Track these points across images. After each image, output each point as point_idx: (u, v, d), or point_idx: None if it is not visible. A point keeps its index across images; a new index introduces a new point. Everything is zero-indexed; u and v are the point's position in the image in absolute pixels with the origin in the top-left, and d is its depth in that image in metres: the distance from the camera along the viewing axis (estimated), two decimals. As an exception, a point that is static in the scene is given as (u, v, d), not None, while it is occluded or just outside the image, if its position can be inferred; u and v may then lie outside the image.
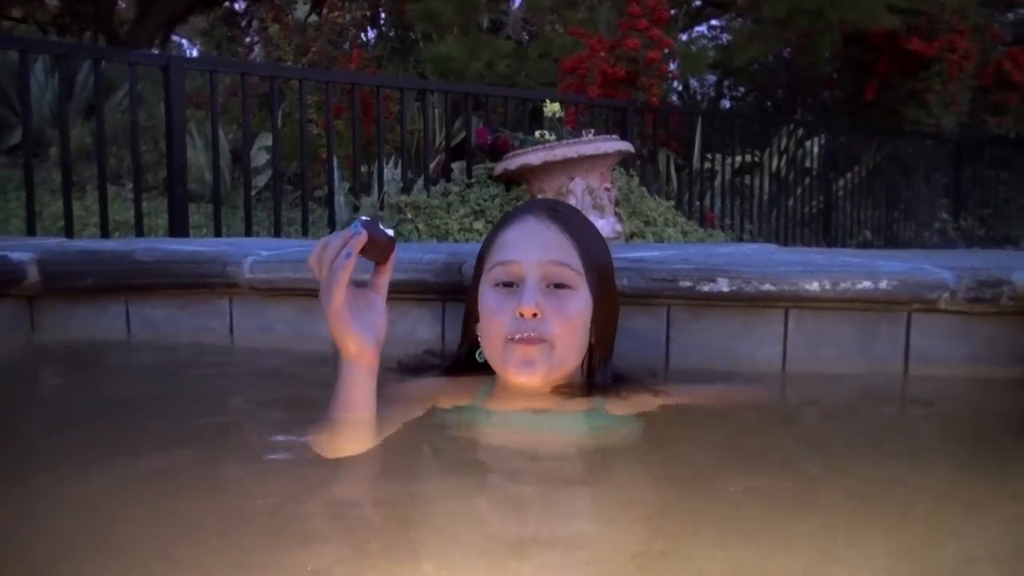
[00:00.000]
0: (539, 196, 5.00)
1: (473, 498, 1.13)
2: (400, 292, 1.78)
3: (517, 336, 1.38)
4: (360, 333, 1.29)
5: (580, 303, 1.43)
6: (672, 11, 7.94)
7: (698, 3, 10.74)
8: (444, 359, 1.63)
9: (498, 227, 1.51)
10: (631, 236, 5.27)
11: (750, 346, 1.74)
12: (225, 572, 0.90)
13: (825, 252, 2.15)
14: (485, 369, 1.49)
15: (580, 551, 0.97)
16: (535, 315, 1.38)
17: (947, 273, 1.65)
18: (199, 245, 2.07)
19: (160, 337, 1.91)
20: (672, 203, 6.17)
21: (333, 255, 1.25)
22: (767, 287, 1.68)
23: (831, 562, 0.94)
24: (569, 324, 1.41)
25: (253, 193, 5.67)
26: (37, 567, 0.92)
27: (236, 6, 14.33)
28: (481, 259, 1.51)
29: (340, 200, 5.31)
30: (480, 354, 1.49)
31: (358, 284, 1.34)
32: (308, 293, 1.85)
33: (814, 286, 1.67)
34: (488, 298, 1.44)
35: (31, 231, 3.80)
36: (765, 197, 7.78)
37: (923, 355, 1.70)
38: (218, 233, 4.42)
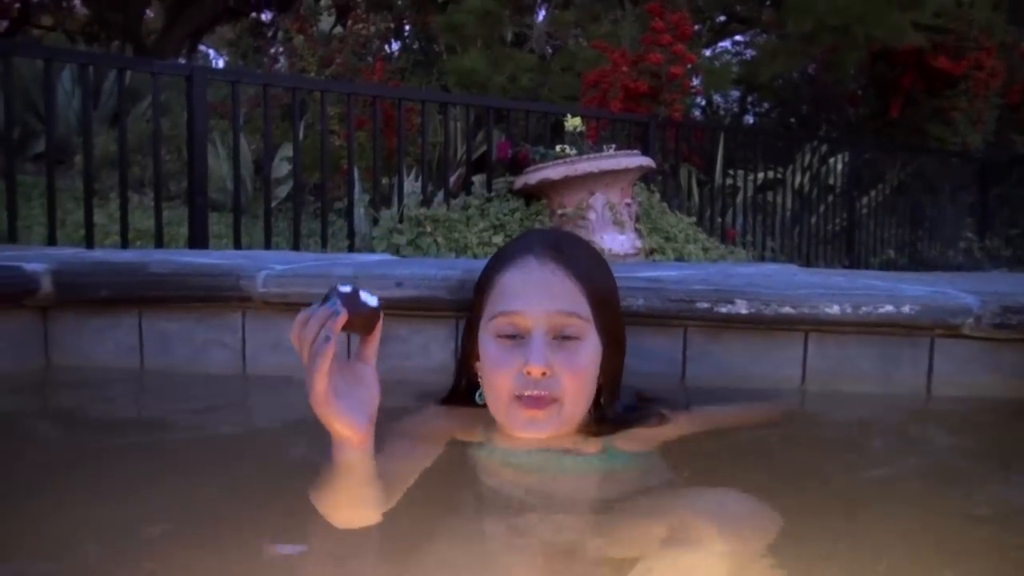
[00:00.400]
0: (559, 211, 4.99)
1: (492, 541, 1.12)
2: (414, 309, 1.76)
3: (526, 394, 1.32)
4: (348, 415, 1.17)
5: (590, 352, 1.36)
6: (696, 27, 7.93)
7: (722, 19, 10.71)
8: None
9: (497, 268, 1.41)
10: (651, 252, 5.24)
11: (769, 369, 1.71)
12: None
13: (847, 274, 2.11)
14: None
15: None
16: (544, 374, 1.31)
17: (971, 298, 1.62)
18: (214, 258, 2.07)
19: (172, 350, 1.90)
20: (693, 219, 6.13)
21: (312, 335, 1.14)
22: (786, 310, 1.65)
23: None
24: (579, 377, 1.34)
25: (274, 204, 5.70)
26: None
27: (262, 17, 14.44)
28: (480, 300, 1.43)
29: (360, 212, 5.32)
30: (480, 396, 1.42)
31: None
32: (321, 308, 1.83)
33: (835, 309, 1.63)
34: (490, 349, 1.36)
35: (52, 240, 3.82)
36: (788, 214, 7.73)
37: (947, 381, 1.66)
38: (237, 243, 4.43)
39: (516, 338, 1.34)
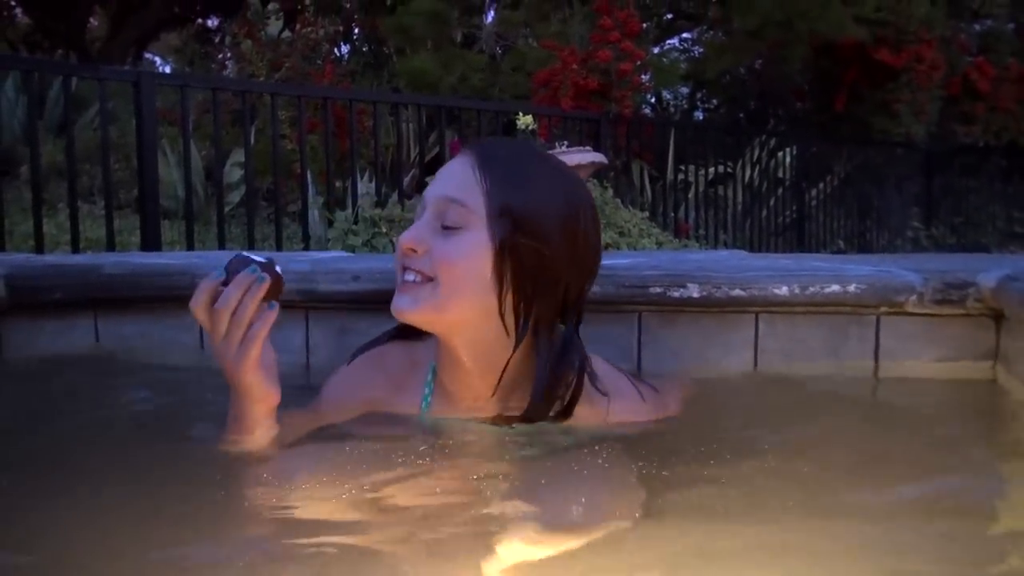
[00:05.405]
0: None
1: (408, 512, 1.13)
2: (371, 302, 1.77)
3: (406, 278, 1.29)
4: (268, 380, 1.25)
5: (468, 246, 1.27)
6: (644, 24, 8.01)
7: (669, 16, 10.83)
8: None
9: None
10: (606, 247, 5.28)
11: (721, 351, 1.74)
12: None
13: (794, 257, 2.17)
14: None
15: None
16: (413, 250, 1.28)
17: (914, 276, 1.67)
18: (168, 258, 2.06)
19: (129, 353, 1.89)
20: (646, 214, 6.19)
21: (236, 302, 1.19)
22: (737, 292, 1.69)
23: None
24: (450, 266, 1.26)
25: (227, 209, 5.65)
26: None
27: (209, 22, 14.30)
28: None
29: (314, 215, 5.30)
30: None
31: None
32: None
33: (783, 290, 1.67)
34: None
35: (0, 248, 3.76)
36: (739, 208, 7.84)
37: (893, 357, 1.71)
38: (191, 249, 4.40)
39: None
